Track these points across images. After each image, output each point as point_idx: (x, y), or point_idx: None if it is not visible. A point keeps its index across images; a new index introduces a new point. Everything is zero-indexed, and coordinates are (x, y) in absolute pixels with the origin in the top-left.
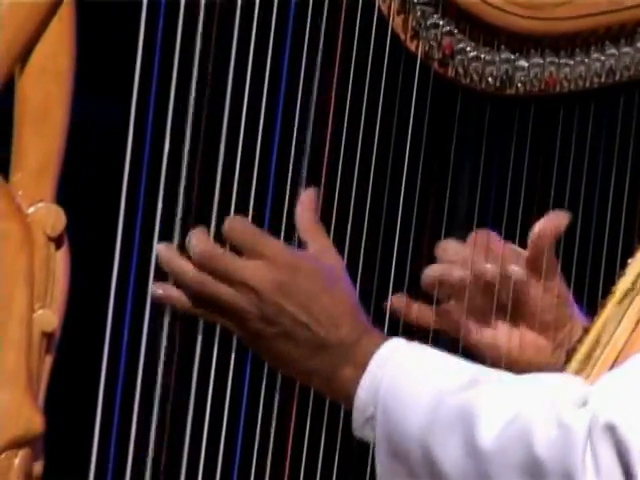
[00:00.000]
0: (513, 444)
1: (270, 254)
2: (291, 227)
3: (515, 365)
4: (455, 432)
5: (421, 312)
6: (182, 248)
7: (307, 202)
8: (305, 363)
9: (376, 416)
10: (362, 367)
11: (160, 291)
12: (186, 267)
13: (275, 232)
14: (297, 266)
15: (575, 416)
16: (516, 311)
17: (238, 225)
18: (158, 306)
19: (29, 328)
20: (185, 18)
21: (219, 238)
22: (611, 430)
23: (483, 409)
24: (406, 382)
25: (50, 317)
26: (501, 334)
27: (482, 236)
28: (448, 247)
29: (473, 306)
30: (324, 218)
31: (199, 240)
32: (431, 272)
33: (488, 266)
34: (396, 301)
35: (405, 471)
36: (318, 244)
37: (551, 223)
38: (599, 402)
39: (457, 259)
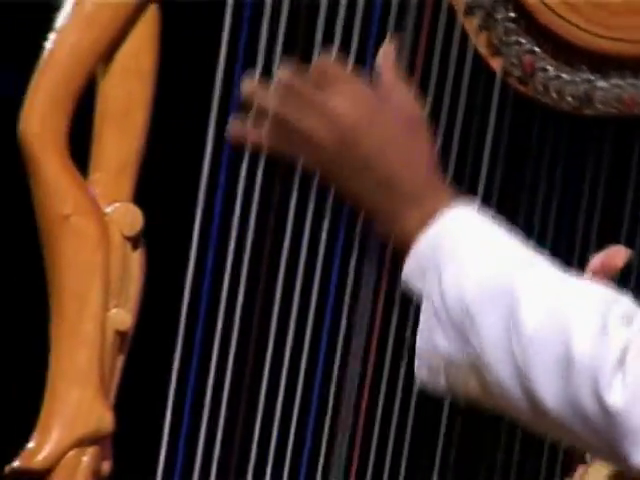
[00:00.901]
0: (553, 333)
1: (355, 90)
2: None
3: None
4: (500, 305)
5: None
6: None
7: (388, 53)
8: (374, 196)
9: (430, 269)
10: (430, 217)
11: (237, 127)
12: (269, 97)
13: None
14: (381, 105)
15: (618, 329)
16: None
17: (325, 62)
18: (232, 306)
19: (103, 326)
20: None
21: None
22: None
23: (532, 291)
24: (465, 251)
25: (124, 316)
26: None
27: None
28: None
29: None
30: None
31: (285, 72)
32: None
33: None
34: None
35: (445, 329)
36: (404, 94)
37: (610, 259)
38: None
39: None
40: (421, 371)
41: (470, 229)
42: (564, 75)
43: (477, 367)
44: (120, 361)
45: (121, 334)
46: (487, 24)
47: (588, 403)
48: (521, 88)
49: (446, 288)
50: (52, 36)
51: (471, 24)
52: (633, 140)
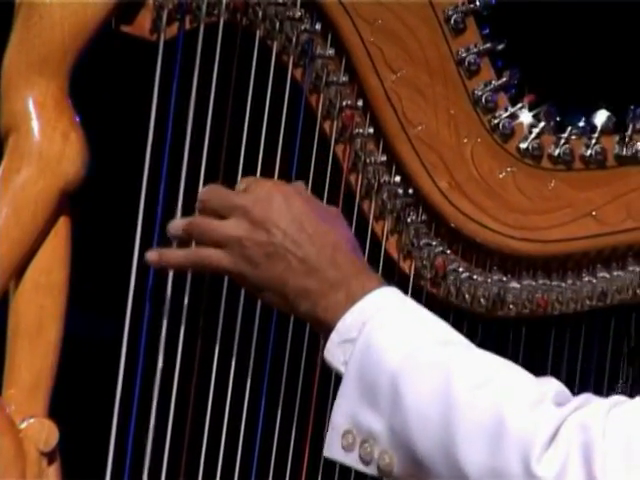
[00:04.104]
0: (485, 403)
1: (260, 192)
2: None
3: None
4: (429, 376)
5: None
6: None
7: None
8: (298, 282)
9: (357, 340)
10: (355, 298)
11: (154, 254)
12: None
13: None
14: (291, 193)
15: (551, 407)
16: None
17: (209, 192)
18: None
19: None
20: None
21: None
22: (585, 429)
23: (465, 364)
24: (394, 325)
25: None
26: None
27: None
28: None
29: None
30: None
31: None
32: None
33: None
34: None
35: (367, 398)
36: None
37: None
38: (579, 408)
39: None
40: (334, 448)
41: (397, 305)
42: (476, 277)
43: (399, 436)
44: None
45: None
46: (398, 227)
47: (515, 474)
48: (433, 290)
49: (373, 357)
50: None
51: (381, 228)
52: (547, 340)
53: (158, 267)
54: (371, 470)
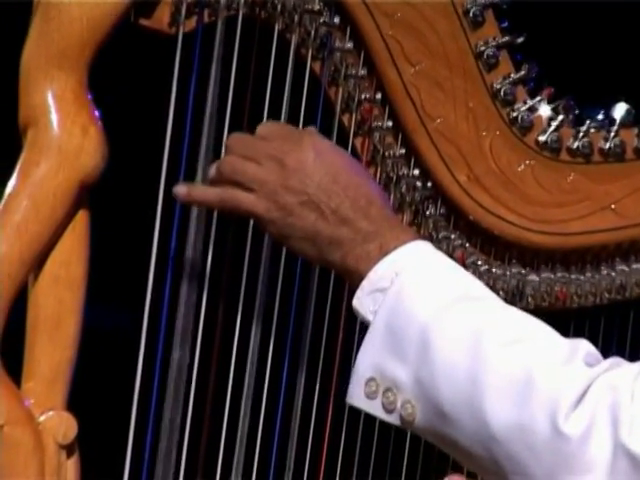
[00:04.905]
0: (514, 357)
1: (293, 141)
2: None
3: None
4: (460, 329)
5: None
6: None
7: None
8: (330, 231)
9: (389, 289)
10: (388, 249)
11: (183, 188)
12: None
13: None
14: (324, 145)
15: (582, 366)
16: None
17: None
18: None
19: None
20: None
21: None
22: (614, 390)
23: (495, 321)
24: (427, 278)
25: None
26: None
27: None
28: None
29: None
30: None
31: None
32: None
33: None
34: None
35: (394, 347)
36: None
37: None
38: (609, 369)
39: None
40: (356, 394)
41: (431, 258)
42: (495, 269)
43: (425, 387)
44: None
45: None
46: (416, 220)
47: (541, 429)
48: None
49: (404, 308)
50: None
51: (401, 220)
52: (565, 333)
53: (184, 202)
54: (393, 419)
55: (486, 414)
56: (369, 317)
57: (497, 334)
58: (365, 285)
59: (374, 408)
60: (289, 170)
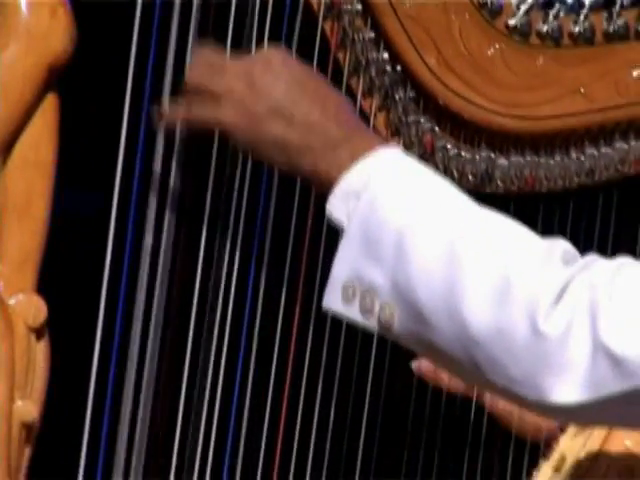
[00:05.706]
0: (491, 258)
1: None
2: None
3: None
4: (436, 233)
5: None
6: None
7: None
8: (300, 138)
9: (362, 193)
10: (359, 155)
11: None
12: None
13: None
14: (288, 57)
15: (559, 265)
16: None
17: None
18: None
19: (8, 419)
20: None
21: None
22: (592, 289)
23: (471, 223)
24: (400, 182)
25: (30, 408)
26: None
27: None
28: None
29: None
30: None
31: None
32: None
33: None
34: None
35: (369, 251)
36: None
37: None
38: (586, 267)
39: None
40: (333, 299)
41: (402, 163)
42: (464, 153)
43: (402, 290)
44: (27, 454)
45: (27, 426)
46: (385, 104)
47: (520, 329)
48: None
49: (379, 212)
50: None
51: (370, 105)
52: (534, 217)
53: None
54: (371, 323)
55: (465, 317)
56: (343, 220)
57: (472, 236)
58: (337, 190)
59: (352, 312)
60: (256, 78)
